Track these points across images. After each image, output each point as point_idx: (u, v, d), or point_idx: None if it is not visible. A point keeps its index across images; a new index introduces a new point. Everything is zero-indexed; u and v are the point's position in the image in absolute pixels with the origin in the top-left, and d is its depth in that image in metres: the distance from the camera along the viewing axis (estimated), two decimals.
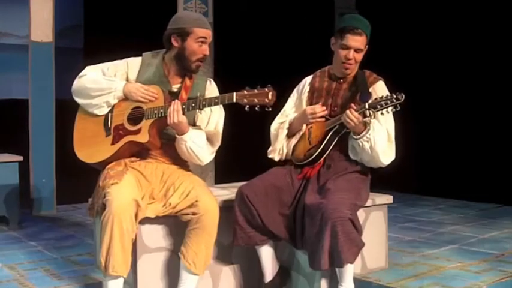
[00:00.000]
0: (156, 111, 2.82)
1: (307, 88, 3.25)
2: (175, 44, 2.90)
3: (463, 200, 6.24)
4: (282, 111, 3.30)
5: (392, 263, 3.70)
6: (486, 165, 6.34)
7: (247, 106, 2.69)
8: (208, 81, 3.08)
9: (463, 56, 6.54)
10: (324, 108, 3.08)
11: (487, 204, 5.97)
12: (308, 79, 3.29)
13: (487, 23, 6.36)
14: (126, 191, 2.68)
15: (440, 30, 6.79)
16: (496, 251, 4.05)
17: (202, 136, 2.93)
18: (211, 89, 3.05)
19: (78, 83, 2.97)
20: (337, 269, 2.87)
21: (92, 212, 2.89)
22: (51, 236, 4.55)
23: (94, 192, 2.89)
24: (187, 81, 2.96)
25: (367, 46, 3.10)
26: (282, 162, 3.26)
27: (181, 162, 3.02)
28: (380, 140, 2.93)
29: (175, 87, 2.97)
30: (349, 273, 2.86)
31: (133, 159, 2.93)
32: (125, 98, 2.91)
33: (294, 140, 3.18)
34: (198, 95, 2.84)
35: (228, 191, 3.38)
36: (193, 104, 2.78)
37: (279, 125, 3.24)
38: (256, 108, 2.69)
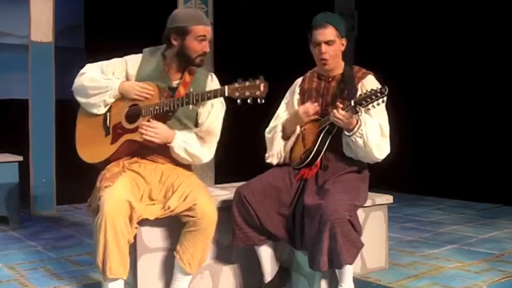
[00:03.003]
0: (151, 109, 2.81)
1: (297, 90, 3.24)
2: (174, 43, 2.89)
3: (463, 200, 6.25)
4: (275, 115, 3.28)
5: (392, 263, 3.70)
6: (486, 165, 6.34)
7: (240, 99, 2.66)
8: (209, 77, 3.05)
9: (464, 57, 6.54)
10: (316, 104, 3.07)
11: (487, 204, 5.97)
12: (299, 81, 3.28)
13: (485, 21, 6.36)
14: (119, 193, 2.67)
15: (440, 29, 6.79)
16: (496, 251, 4.05)
17: (191, 135, 2.92)
18: (212, 85, 3.01)
19: (77, 81, 2.99)
20: (337, 270, 2.87)
21: (89, 209, 2.92)
22: (51, 236, 4.55)
23: (93, 191, 2.91)
24: (187, 77, 2.94)
25: (341, 38, 3.06)
26: (281, 164, 3.25)
27: (181, 162, 3.01)
28: (373, 134, 2.91)
29: (175, 83, 2.96)
30: (349, 273, 2.86)
31: (132, 160, 2.92)
32: (122, 96, 2.91)
33: (289, 143, 3.16)
34: (191, 90, 2.84)
35: (228, 191, 3.38)
36: (186, 100, 2.76)
37: (273, 129, 3.22)
38: (249, 101, 2.65)
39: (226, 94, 2.67)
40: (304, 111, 3.06)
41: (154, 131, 2.78)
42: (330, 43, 3.02)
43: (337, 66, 3.11)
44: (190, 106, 2.82)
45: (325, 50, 3.02)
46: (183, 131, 2.90)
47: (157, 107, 2.80)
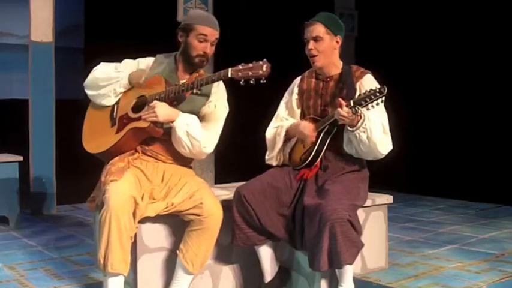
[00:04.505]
0: (157, 97, 2.85)
1: (296, 90, 3.24)
2: (180, 39, 2.98)
3: (463, 200, 6.25)
4: (276, 115, 3.28)
5: (392, 263, 3.70)
6: (486, 165, 6.34)
7: (243, 80, 2.70)
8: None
9: (464, 57, 6.55)
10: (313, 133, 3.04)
11: (487, 204, 5.97)
12: (297, 80, 3.28)
13: (485, 21, 6.37)
14: (124, 188, 2.68)
15: (440, 29, 6.80)
16: (496, 251, 4.05)
17: (195, 119, 2.92)
18: (218, 89, 3.02)
19: (90, 76, 3.06)
20: (336, 270, 2.87)
21: (91, 205, 2.92)
22: (51, 236, 4.55)
23: (96, 186, 2.92)
24: (194, 78, 2.96)
25: (334, 36, 3.05)
26: (281, 164, 3.25)
27: (182, 162, 3.01)
28: (376, 129, 2.89)
29: (181, 82, 2.98)
30: (349, 273, 2.86)
31: (135, 156, 2.93)
32: (131, 86, 2.97)
33: (288, 146, 3.17)
34: (196, 75, 2.91)
35: (228, 191, 3.38)
36: (191, 85, 2.80)
37: (275, 131, 3.21)
38: (251, 81, 2.68)
39: (230, 75, 2.71)
40: (307, 128, 3.02)
41: (153, 110, 2.78)
42: (317, 39, 3.03)
43: (331, 65, 3.10)
44: (195, 90, 2.84)
45: (311, 46, 3.04)
46: (188, 114, 2.90)
47: (162, 95, 2.84)
